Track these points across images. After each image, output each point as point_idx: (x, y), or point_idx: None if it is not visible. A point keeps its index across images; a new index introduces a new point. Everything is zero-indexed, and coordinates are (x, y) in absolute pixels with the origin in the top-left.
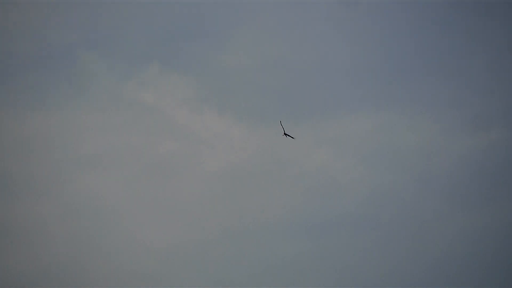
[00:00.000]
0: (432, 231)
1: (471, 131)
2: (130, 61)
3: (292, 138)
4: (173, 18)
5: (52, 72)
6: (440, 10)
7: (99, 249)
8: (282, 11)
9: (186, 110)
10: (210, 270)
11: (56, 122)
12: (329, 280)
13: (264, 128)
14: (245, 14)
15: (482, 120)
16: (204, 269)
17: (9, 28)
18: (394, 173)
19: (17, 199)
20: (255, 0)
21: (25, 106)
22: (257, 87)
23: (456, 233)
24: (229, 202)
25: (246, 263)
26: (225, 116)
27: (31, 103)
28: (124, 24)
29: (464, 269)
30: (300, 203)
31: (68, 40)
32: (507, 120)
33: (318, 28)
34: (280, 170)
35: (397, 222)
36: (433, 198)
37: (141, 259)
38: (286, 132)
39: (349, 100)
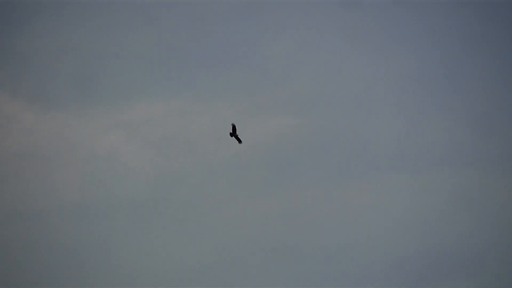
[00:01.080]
0: (218, 216)
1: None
2: None
3: (239, 141)
4: None
5: None
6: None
7: None
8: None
9: None
10: None
11: None
12: (119, 264)
13: (55, 112)
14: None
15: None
16: None
17: None
18: (184, 158)
19: None
20: None
21: None
22: (51, 71)
23: (242, 218)
24: (18, 184)
25: (32, 246)
26: (17, 99)
27: None
28: None
29: (245, 260)
30: (89, 186)
31: None
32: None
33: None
34: (70, 153)
35: (185, 206)
36: (219, 183)
37: None
38: (236, 134)
39: (141, 85)
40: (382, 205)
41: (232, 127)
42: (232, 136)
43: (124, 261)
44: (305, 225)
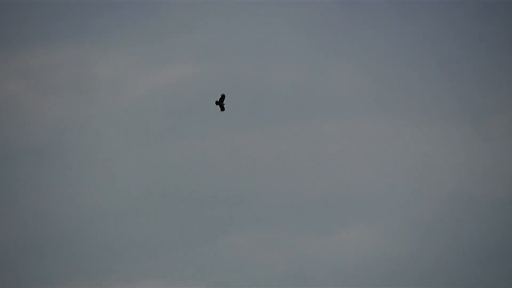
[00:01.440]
0: (118, 162)
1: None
2: None
3: (222, 109)
4: None
5: None
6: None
7: None
8: None
9: None
10: None
11: None
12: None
13: None
14: None
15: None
16: None
17: None
18: (84, 105)
19: None
20: None
21: None
22: None
23: (142, 165)
24: None
25: None
26: None
27: None
28: None
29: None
30: None
31: None
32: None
33: None
34: None
35: (86, 153)
36: (120, 130)
37: None
38: (222, 103)
39: (40, 32)
40: (285, 152)
41: (221, 97)
42: (217, 105)
43: (22, 207)
44: (205, 173)
